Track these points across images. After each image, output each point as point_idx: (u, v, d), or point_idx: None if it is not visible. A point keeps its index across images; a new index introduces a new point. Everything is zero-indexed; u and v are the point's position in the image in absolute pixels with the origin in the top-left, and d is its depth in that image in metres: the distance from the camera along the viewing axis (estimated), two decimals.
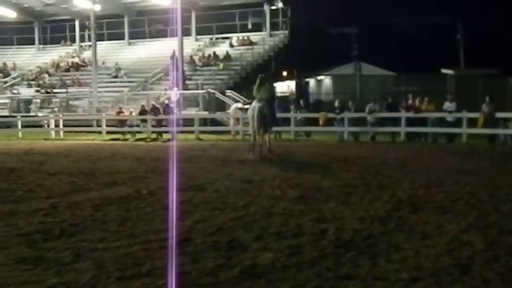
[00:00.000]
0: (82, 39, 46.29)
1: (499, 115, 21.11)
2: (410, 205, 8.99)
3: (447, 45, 48.23)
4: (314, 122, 24.65)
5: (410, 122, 22.36)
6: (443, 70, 40.99)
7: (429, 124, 22.33)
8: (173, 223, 7.47)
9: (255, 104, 17.20)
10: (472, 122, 21.64)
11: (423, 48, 51.19)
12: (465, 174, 12.36)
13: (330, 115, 24.10)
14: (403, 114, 22.47)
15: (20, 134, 28.79)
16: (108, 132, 27.71)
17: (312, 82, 52.68)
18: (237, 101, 29.96)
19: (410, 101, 23.26)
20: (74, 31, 46.72)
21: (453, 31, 47.96)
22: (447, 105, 22.17)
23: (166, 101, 28.85)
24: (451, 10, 52.41)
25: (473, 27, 49.83)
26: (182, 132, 25.37)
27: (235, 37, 41.56)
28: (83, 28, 45.41)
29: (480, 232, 7.21)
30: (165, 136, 25.67)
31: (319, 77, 52.55)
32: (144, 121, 26.99)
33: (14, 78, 42.65)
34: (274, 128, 18.76)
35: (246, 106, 26.40)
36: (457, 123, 21.83)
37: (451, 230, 7.34)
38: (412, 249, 6.52)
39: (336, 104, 24.66)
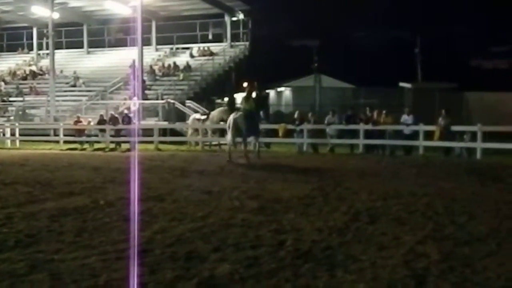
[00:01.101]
0: (40, 47, 45.69)
1: (455, 128, 21.49)
2: (368, 217, 9.08)
3: (406, 59, 49.01)
4: (273, 133, 24.72)
5: (368, 134, 22.61)
6: (401, 84, 41.62)
7: (387, 137, 22.60)
8: (131, 234, 7.41)
9: (234, 115, 19.09)
10: (428, 135, 21.97)
11: (382, 62, 51.94)
12: (421, 186, 12.53)
13: (290, 126, 24.21)
14: (361, 127, 22.70)
15: None
16: (66, 142, 27.38)
17: (272, 93, 52.89)
18: (197, 112, 29.91)
19: (367, 114, 23.51)
20: (32, 38, 46.10)
21: (411, 45, 48.75)
22: (405, 118, 22.49)
23: (125, 111, 28.63)
24: (409, 24, 53.30)
25: (430, 41, 50.82)
26: (141, 142, 25.20)
27: (195, 47, 41.55)
28: (41, 36, 44.80)
29: (436, 244, 7.32)
30: (123, 146, 25.46)
31: (279, 89, 52.83)
32: (102, 130, 26.73)
33: None
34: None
35: (203, 117, 26.38)
36: (414, 135, 22.14)
37: (407, 242, 7.43)
38: (369, 260, 6.58)
39: (296, 115, 24.79)
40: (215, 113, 25.92)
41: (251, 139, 19.67)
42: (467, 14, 56.75)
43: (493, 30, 54.64)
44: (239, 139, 19.39)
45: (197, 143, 25.84)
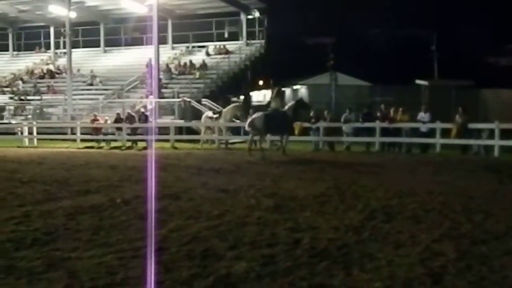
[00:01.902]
0: (57, 46, 45.99)
1: (472, 125, 21.36)
2: (384, 215, 9.05)
3: (422, 56, 48.72)
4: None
5: (384, 132, 22.53)
6: (418, 81, 41.41)
7: (403, 134, 22.51)
8: (148, 232, 7.44)
9: (259, 113, 20.61)
10: (445, 133, 21.86)
11: (398, 59, 51.64)
12: (438, 184, 12.47)
13: (306, 124, 24.16)
14: (377, 124, 22.62)
15: None
16: (83, 140, 27.54)
17: (288, 91, 52.84)
18: (213, 110, 29.94)
19: (383, 111, 23.42)
20: (49, 38, 46.39)
21: (428, 43, 48.48)
22: (421, 115, 22.39)
23: (142, 109, 28.74)
24: (425, 22, 52.91)
25: (447, 39, 50.43)
26: (157, 140, 25.28)
27: (211, 45, 41.60)
28: (58, 35, 45.10)
29: (452, 242, 7.28)
30: (140, 144, 25.56)
31: (295, 87, 52.74)
32: (119, 129, 26.85)
33: None
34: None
35: (215, 116, 26.37)
36: (430, 133, 22.05)
37: (424, 240, 7.40)
38: (386, 258, 6.56)
39: (312, 113, 24.75)
40: (227, 110, 25.91)
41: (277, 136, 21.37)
42: (483, 11, 56.28)
43: (509, 27, 54.11)
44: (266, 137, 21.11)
45: (208, 141, 25.85)
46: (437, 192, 11.33)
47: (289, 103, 21.92)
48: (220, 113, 26.40)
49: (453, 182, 12.91)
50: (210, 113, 27.35)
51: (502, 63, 58.05)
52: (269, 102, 21.36)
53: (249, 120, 20.80)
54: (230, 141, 26.03)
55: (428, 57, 47.53)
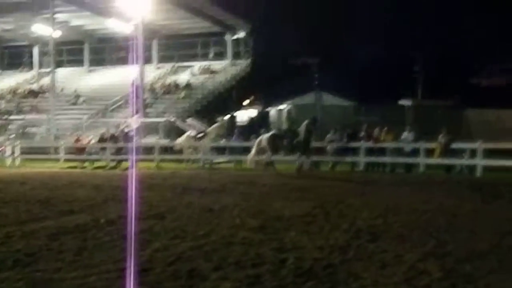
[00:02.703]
0: (41, 65, 45.86)
1: (455, 145, 21.50)
2: (369, 234, 9.05)
3: (406, 76, 49.09)
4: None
5: (369, 152, 22.61)
6: (402, 101, 41.70)
7: (388, 154, 22.61)
8: (132, 253, 7.38)
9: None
10: (429, 152, 21.98)
11: (383, 79, 51.97)
12: (422, 203, 12.51)
13: None
14: (362, 144, 22.71)
15: None
16: (66, 160, 27.37)
17: (273, 111, 52.98)
18: (197, 129, 29.92)
19: (367, 131, 23.54)
20: (33, 57, 46.27)
21: (412, 63, 48.89)
22: (405, 135, 22.52)
23: (126, 129, 28.65)
24: (410, 42, 53.42)
25: (431, 59, 50.86)
26: (142, 160, 25.19)
27: (196, 65, 41.69)
28: (42, 54, 45.02)
29: (437, 261, 7.29)
30: (124, 164, 25.44)
31: (280, 106, 52.89)
32: (103, 148, 26.73)
33: None
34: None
35: (200, 135, 26.35)
36: (414, 153, 22.16)
37: (409, 259, 7.40)
38: (371, 278, 6.55)
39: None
40: (211, 130, 25.94)
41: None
42: (467, 32, 56.95)
43: (492, 48, 54.76)
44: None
45: (191, 161, 25.80)
46: (422, 211, 11.36)
47: (304, 122, 21.95)
48: (204, 132, 26.42)
49: (438, 201, 12.96)
50: (193, 133, 27.33)
51: (485, 84, 58.63)
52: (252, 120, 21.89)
53: (258, 139, 21.92)
54: (215, 160, 25.98)
55: (412, 77, 47.91)
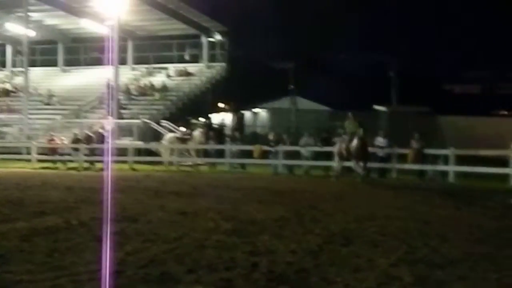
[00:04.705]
0: (14, 65, 45.32)
1: (428, 151, 21.69)
2: (342, 239, 9.09)
3: (381, 82, 49.46)
4: (249, 154, 24.74)
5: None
6: (376, 107, 42.00)
7: (335, 158, 22.68)
8: (104, 255, 7.32)
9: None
10: (402, 158, 22.15)
11: (358, 85, 52.31)
12: (396, 209, 12.60)
13: (265, 148, 24.24)
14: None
15: None
16: (39, 160, 27.07)
17: (248, 114, 53.02)
18: (172, 132, 29.85)
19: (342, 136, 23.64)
20: (6, 56, 45.72)
21: (387, 69, 49.26)
22: (379, 140, 22.65)
23: (100, 130, 28.44)
24: (385, 48, 53.92)
25: (405, 65, 51.34)
26: (116, 162, 25.00)
27: (172, 67, 41.53)
28: (15, 53, 44.50)
29: (409, 267, 7.34)
30: (97, 165, 25.24)
31: (255, 110, 52.97)
32: (76, 149, 26.50)
33: None
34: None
35: (187, 136, 26.30)
36: (388, 158, 22.31)
37: (381, 264, 7.45)
38: (343, 282, 6.58)
39: (271, 137, 24.85)
40: (197, 134, 25.91)
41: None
42: (441, 39, 57.63)
43: (466, 55, 55.49)
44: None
45: (171, 163, 25.71)
46: (395, 217, 11.44)
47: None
48: (190, 134, 26.40)
49: (410, 207, 13.06)
50: (178, 134, 27.22)
51: (458, 91, 59.34)
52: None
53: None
54: (188, 163, 25.93)
55: (387, 83, 48.26)
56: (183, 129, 28.08)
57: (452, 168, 20.79)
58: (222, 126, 39.62)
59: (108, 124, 29.78)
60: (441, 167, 21.40)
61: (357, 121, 19.97)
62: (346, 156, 19.73)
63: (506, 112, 56.02)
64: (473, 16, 53.39)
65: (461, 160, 21.16)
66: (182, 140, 26.34)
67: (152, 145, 28.66)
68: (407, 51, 54.81)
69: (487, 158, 21.92)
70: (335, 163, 20.67)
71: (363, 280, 6.71)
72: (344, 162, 20.13)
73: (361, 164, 19.39)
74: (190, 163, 25.83)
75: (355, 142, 18.96)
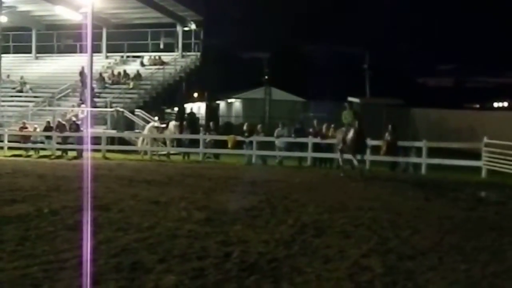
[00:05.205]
0: None
1: (401, 143, 21.86)
2: (314, 229, 9.15)
3: (354, 74, 49.75)
4: (223, 144, 24.71)
5: (316, 147, 22.79)
6: (350, 98, 42.19)
7: (335, 150, 22.81)
8: (75, 244, 7.29)
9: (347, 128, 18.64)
10: (375, 150, 22.28)
11: (332, 76, 52.59)
12: (367, 200, 12.70)
13: (239, 138, 24.23)
14: (310, 140, 22.88)
15: None
16: (10, 148, 26.75)
17: (222, 104, 52.98)
18: (146, 121, 29.71)
19: (315, 127, 23.71)
20: None
21: (360, 61, 49.53)
22: (339, 131, 22.70)
23: (73, 118, 28.19)
24: (359, 40, 54.24)
25: (379, 58, 51.71)
26: (88, 150, 24.81)
27: (146, 56, 41.24)
28: None
29: (380, 257, 7.43)
30: (70, 154, 25.04)
31: (229, 100, 52.96)
32: (48, 137, 26.24)
33: None
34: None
35: (163, 125, 26.19)
36: None
37: (352, 255, 7.52)
38: (314, 272, 6.63)
39: (245, 127, 24.84)
40: (171, 126, 25.82)
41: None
42: (415, 33, 58.06)
43: (438, 49, 56.02)
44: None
45: (145, 153, 25.59)
46: (366, 208, 11.54)
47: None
48: (167, 124, 26.30)
49: (382, 199, 13.17)
50: (156, 123, 27.09)
51: (431, 84, 59.93)
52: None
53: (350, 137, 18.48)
54: (163, 152, 25.84)
55: (361, 75, 48.52)
56: (157, 122, 27.86)
57: (424, 161, 20.97)
58: (195, 115, 39.48)
59: (82, 112, 29.53)
60: (414, 159, 21.58)
61: (353, 112, 19.53)
62: (343, 148, 19.32)
63: (478, 106, 56.81)
64: (447, 11, 53.88)
65: (434, 152, 21.37)
66: (160, 130, 26.23)
67: (126, 134, 28.45)
68: (381, 44, 55.18)
69: (459, 151, 22.18)
70: (339, 157, 20.25)
71: (334, 270, 6.78)
72: (344, 154, 19.62)
73: (358, 157, 19.05)
74: (164, 153, 25.75)
75: (350, 134, 18.52)
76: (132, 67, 39.56)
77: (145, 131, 26.75)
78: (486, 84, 63.43)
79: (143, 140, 26.32)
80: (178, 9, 39.33)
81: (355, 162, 18.83)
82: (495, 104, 57.09)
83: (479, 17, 52.57)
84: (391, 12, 58.13)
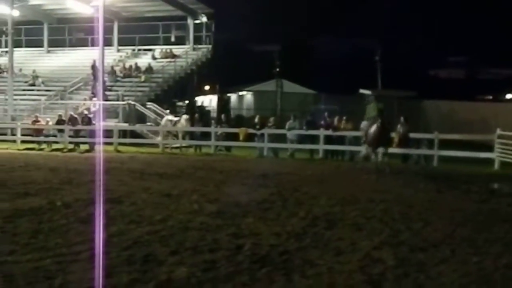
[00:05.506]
0: None
1: (413, 135, 21.78)
2: (326, 222, 9.15)
3: (366, 66, 49.52)
4: (234, 137, 24.72)
5: (328, 140, 22.75)
6: (362, 90, 42.05)
7: (347, 143, 22.78)
8: (88, 236, 7.33)
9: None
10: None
11: (343, 68, 52.39)
12: (379, 193, 12.68)
13: (251, 130, 24.24)
14: (321, 132, 22.84)
15: None
16: (23, 142, 26.90)
17: (233, 97, 52.95)
18: (157, 114, 29.80)
19: (327, 119, 23.66)
20: None
21: (372, 53, 49.29)
22: (364, 124, 22.66)
23: (85, 112, 28.29)
24: (370, 33, 53.94)
25: (390, 50, 51.41)
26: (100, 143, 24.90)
27: (157, 49, 41.28)
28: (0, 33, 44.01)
29: (391, 249, 7.42)
30: (82, 147, 25.15)
31: (240, 93, 52.90)
32: (61, 131, 26.35)
33: None
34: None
35: (176, 118, 26.28)
36: None
37: (364, 247, 7.51)
38: (326, 265, 6.63)
39: (256, 120, 24.84)
40: (183, 120, 25.90)
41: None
42: (426, 25, 57.74)
43: (450, 40, 55.67)
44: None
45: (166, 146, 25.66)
46: (378, 200, 11.52)
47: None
48: (180, 118, 26.43)
49: (394, 191, 13.14)
50: (170, 117, 27.21)
51: (442, 75, 59.58)
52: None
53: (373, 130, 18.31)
54: (176, 145, 25.91)
55: (373, 67, 48.29)
56: (171, 115, 27.92)
57: (436, 153, 20.90)
58: (205, 108, 39.53)
59: (93, 105, 29.63)
60: (426, 151, 21.50)
61: (377, 107, 19.25)
62: (366, 141, 19.14)
63: (490, 97, 56.42)
64: (459, 2, 53.53)
65: (446, 144, 21.27)
66: (173, 123, 26.35)
67: (137, 127, 28.50)
68: (392, 36, 54.89)
69: (471, 143, 22.06)
70: (364, 149, 20.16)
71: (346, 262, 6.78)
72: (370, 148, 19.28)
73: (382, 150, 18.76)
74: (176, 145, 25.81)
75: (373, 128, 18.32)
76: (144, 60, 39.61)
77: (162, 124, 26.83)
78: (498, 76, 62.96)
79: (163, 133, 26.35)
80: (189, 2, 39.30)
81: (372, 156, 18.79)
82: (508, 96, 56.64)
83: (491, 8, 52.16)
84: (403, 3, 57.80)
